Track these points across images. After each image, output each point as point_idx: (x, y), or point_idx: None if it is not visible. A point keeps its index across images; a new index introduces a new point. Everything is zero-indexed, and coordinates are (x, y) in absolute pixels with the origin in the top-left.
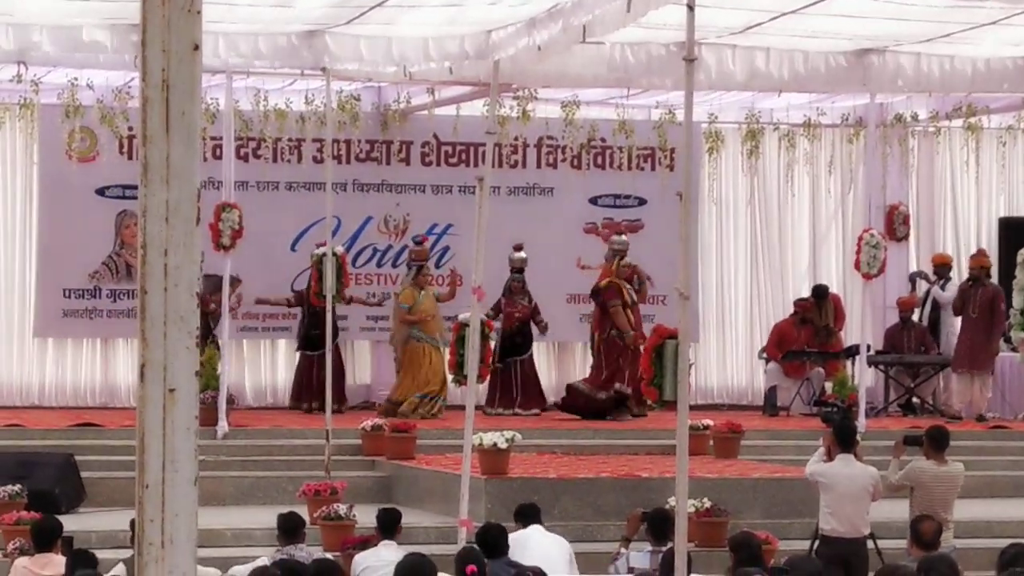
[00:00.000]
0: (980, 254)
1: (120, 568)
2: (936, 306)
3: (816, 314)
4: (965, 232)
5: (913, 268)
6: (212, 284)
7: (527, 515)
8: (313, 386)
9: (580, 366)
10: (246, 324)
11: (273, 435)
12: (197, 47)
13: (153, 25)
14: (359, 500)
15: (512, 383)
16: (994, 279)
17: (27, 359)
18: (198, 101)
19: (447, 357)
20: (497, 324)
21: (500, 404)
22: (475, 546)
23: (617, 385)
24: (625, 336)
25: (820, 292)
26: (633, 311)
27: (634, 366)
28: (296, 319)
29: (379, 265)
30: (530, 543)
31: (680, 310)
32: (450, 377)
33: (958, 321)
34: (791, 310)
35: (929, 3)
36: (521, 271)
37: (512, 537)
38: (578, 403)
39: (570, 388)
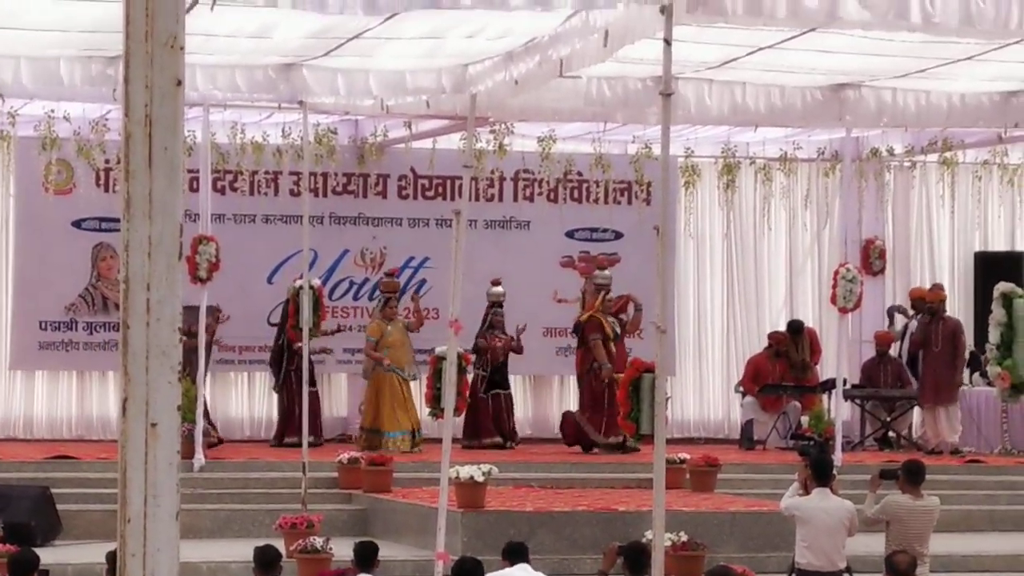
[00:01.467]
0: (936, 287)
1: None
2: (914, 341)
3: (792, 348)
4: (940, 266)
5: (889, 302)
6: (192, 315)
7: (515, 553)
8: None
9: (557, 399)
10: (222, 356)
11: (250, 467)
12: (180, 83)
13: (136, 61)
14: (336, 533)
15: (491, 415)
16: (969, 313)
17: (2, 392)
18: (180, 136)
19: (424, 391)
20: (473, 357)
21: (475, 436)
22: None
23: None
24: (602, 368)
25: (795, 327)
26: (617, 345)
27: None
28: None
29: (355, 298)
30: None
31: (657, 343)
32: (426, 410)
33: None
34: (761, 344)
35: (905, 38)
36: (500, 305)
37: (499, 575)
38: (575, 434)
39: (569, 418)
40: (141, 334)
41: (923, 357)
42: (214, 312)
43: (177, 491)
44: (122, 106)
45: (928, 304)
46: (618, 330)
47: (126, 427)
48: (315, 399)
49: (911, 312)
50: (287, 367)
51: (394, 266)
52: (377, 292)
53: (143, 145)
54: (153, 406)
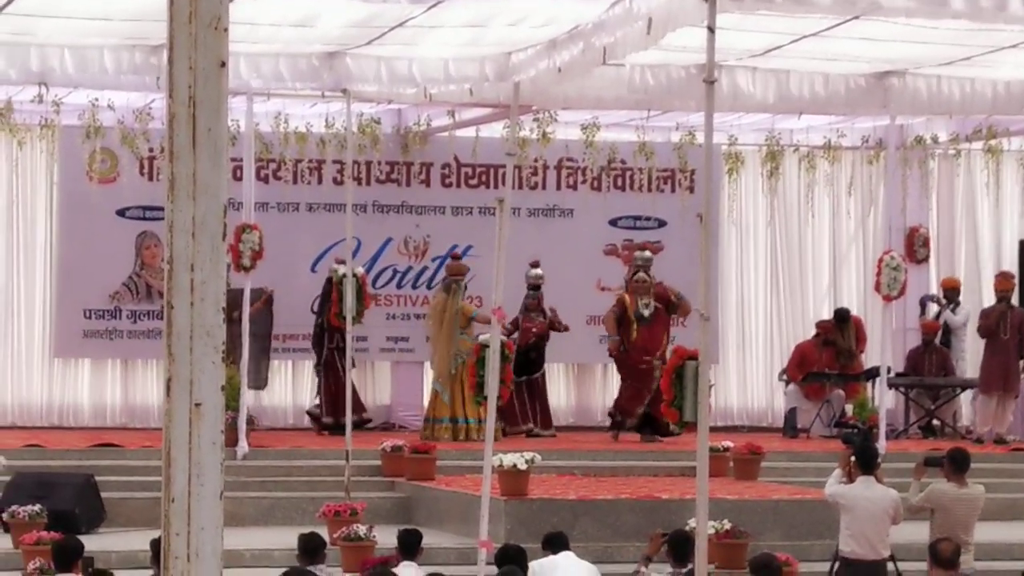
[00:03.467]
0: (1006, 276)
1: None
2: (947, 329)
3: (838, 336)
4: (985, 254)
5: (933, 290)
6: (232, 299)
7: (555, 543)
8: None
9: (600, 387)
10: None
11: (293, 455)
12: (223, 64)
13: (180, 42)
14: (379, 521)
15: (524, 400)
16: (1014, 302)
17: (47, 380)
18: (224, 117)
19: (467, 378)
20: (514, 340)
21: (512, 422)
22: (498, 566)
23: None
24: (610, 340)
25: (842, 315)
26: (643, 329)
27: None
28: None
29: (399, 286)
30: (560, 569)
31: (700, 331)
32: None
33: (968, 344)
34: (811, 331)
35: (949, 26)
36: (538, 288)
37: (542, 563)
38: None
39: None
40: (185, 315)
41: (989, 345)
42: (263, 294)
43: (221, 471)
44: (166, 88)
45: (998, 290)
46: (646, 313)
47: (170, 407)
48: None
49: (943, 301)
50: (328, 347)
51: (445, 253)
52: (421, 279)
53: (187, 126)
54: (197, 386)
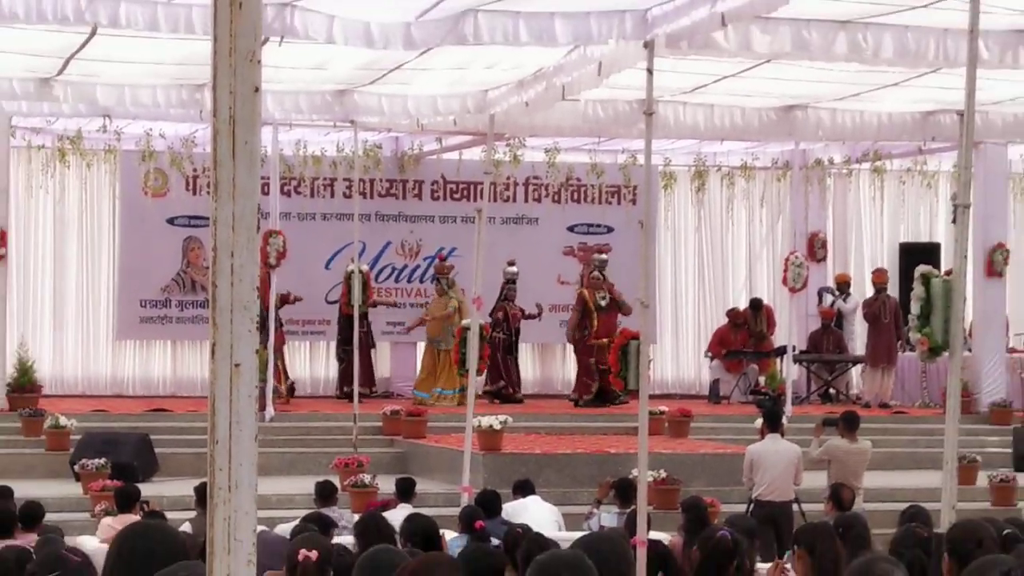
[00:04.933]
0: (881, 271)
1: (187, 526)
2: (840, 315)
3: (753, 321)
4: (871, 255)
5: (829, 283)
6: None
7: (524, 488)
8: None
9: (559, 363)
10: (289, 328)
11: (311, 419)
12: (257, 89)
13: (222, 72)
14: (380, 471)
15: (501, 370)
16: (894, 292)
17: (110, 357)
18: (258, 133)
19: (452, 355)
20: (491, 325)
21: (492, 383)
22: (478, 507)
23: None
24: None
25: (756, 304)
26: (604, 316)
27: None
28: (329, 324)
29: (396, 281)
30: (529, 510)
31: (641, 317)
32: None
33: (856, 327)
34: (724, 318)
35: (843, 68)
36: (513, 281)
37: (513, 505)
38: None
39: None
40: (227, 292)
41: (872, 328)
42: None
43: (256, 418)
44: (211, 110)
45: (876, 283)
46: (603, 303)
47: (215, 367)
48: (369, 359)
49: (837, 292)
50: (344, 334)
51: (434, 254)
52: (415, 275)
53: (228, 140)
54: (236, 349)
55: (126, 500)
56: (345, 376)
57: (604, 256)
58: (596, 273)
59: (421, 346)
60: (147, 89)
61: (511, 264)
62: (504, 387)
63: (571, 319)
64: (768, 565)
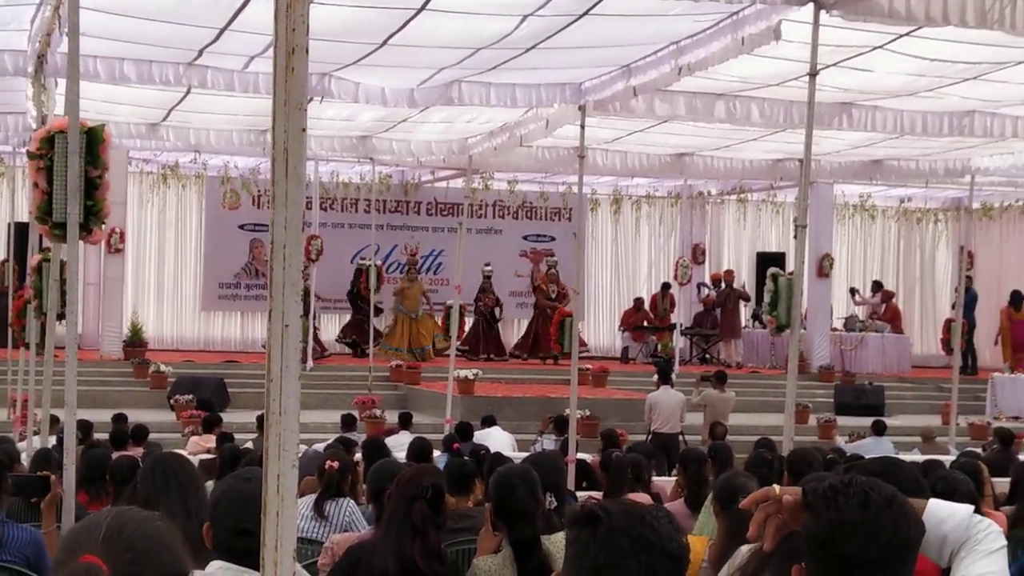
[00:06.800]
0: (729, 271)
1: (250, 444)
2: (718, 302)
3: (661, 300)
4: (736, 260)
5: (706, 279)
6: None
7: (489, 422)
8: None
9: (515, 333)
10: (324, 305)
11: (338, 369)
12: (304, 130)
13: (279, 116)
14: (388, 407)
15: (484, 341)
16: (752, 286)
17: (197, 323)
18: (304, 161)
19: (440, 324)
20: (471, 307)
21: (479, 352)
22: (455, 434)
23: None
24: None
25: (665, 287)
26: (553, 301)
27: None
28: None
29: (400, 272)
30: (492, 436)
31: (573, 301)
32: (439, 336)
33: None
34: (631, 304)
35: (718, 127)
36: (488, 277)
37: (481, 433)
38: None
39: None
40: (280, 274)
41: (722, 311)
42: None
43: (299, 363)
44: (272, 144)
45: (724, 280)
46: (552, 295)
47: (271, 326)
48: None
49: (710, 285)
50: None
51: (415, 249)
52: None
53: (282, 165)
54: (286, 314)
55: (210, 424)
56: (350, 331)
57: (555, 259)
58: (552, 271)
59: None
60: (226, 132)
61: (487, 265)
62: (489, 357)
63: (539, 301)
64: (662, 478)
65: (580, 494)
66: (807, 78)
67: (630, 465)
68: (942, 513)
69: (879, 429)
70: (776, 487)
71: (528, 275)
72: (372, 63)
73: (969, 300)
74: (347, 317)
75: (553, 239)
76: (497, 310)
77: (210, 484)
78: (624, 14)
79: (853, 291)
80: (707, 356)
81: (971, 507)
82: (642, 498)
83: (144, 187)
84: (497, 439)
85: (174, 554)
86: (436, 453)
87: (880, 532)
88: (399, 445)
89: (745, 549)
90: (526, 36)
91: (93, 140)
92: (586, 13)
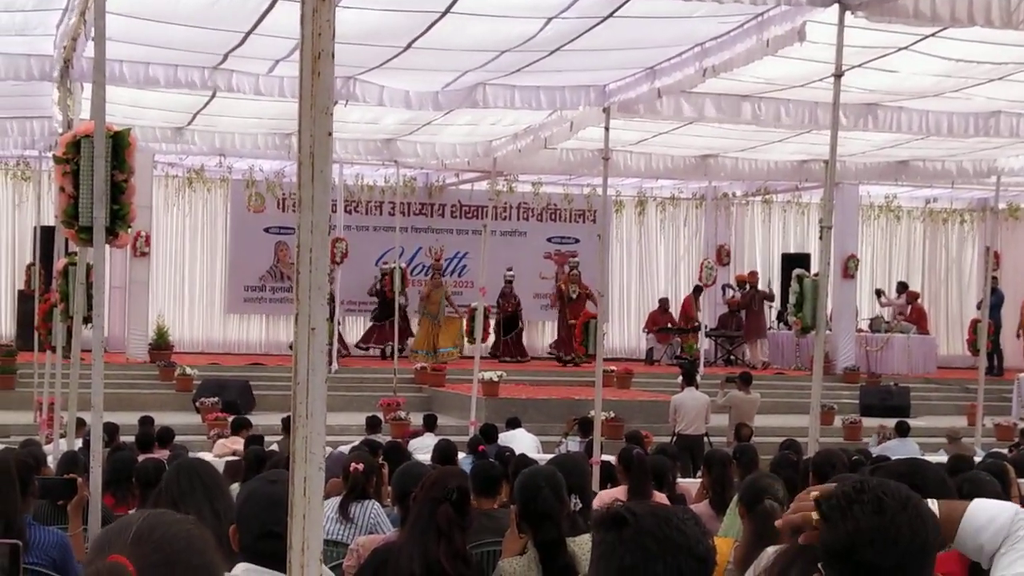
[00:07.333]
0: (753, 273)
1: (275, 446)
2: (743, 303)
3: (694, 303)
4: (761, 261)
5: (731, 281)
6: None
7: (514, 423)
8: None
9: (540, 335)
10: (348, 308)
11: (363, 371)
12: (330, 134)
13: (305, 120)
14: (413, 409)
15: (509, 344)
16: (777, 287)
17: (222, 325)
18: (330, 164)
19: (464, 326)
20: (495, 310)
21: (503, 355)
22: (481, 436)
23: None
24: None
25: (698, 289)
26: (573, 304)
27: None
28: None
29: (426, 275)
30: (517, 438)
31: (598, 302)
32: (466, 339)
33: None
34: (656, 305)
35: (743, 128)
36: (510, 282)
37: (506, 434)
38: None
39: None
40: (307, 277)
41: (747, 312)
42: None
43: (326, 367)
44: (298, 148)
45: (749, 281)
46: (573, 296)
47: (298, 330)
48: (408, 328)
49: (735, 287)
50: (382, 309)
51: (444, 257)
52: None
53: (308, 169)
54: (312, 317)
55: (238, 426)
56: (370, 336)
57: (577, 260)
58: (573, 272)
59: None
60: (251, 136)
61: (509, 270)
62: (513, 358)
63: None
64: (687, 480)
65: (602, 493)
66: (832, 79)
67: (653, 466)
68: (982, 519)
69: (902, 430)
70: (813, 515)
71: (552, 277)
72: (397, 66)
73: (995, 301)
74: (369, 321)
75: (577, 241)
76: (517, 315)
77: (235, 487)
78: (648, 16)
79: (879, 292)
80: (732, 357)
81: (1015, 507)
82: (661, 500)
83: (170, 191)
84: (522, 441)
85: (205, 557)
86: (461, 455)
87: (898, 538)
88: (424, 447)
89: (771, 551)
90: (551, 38)
91: (119, 144)
92: (611, 15)
